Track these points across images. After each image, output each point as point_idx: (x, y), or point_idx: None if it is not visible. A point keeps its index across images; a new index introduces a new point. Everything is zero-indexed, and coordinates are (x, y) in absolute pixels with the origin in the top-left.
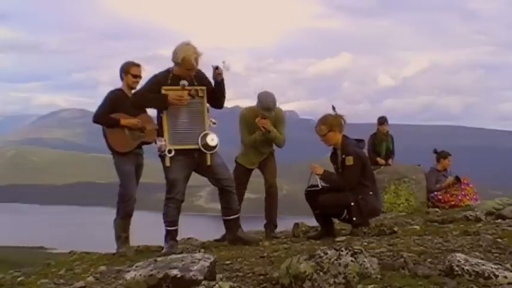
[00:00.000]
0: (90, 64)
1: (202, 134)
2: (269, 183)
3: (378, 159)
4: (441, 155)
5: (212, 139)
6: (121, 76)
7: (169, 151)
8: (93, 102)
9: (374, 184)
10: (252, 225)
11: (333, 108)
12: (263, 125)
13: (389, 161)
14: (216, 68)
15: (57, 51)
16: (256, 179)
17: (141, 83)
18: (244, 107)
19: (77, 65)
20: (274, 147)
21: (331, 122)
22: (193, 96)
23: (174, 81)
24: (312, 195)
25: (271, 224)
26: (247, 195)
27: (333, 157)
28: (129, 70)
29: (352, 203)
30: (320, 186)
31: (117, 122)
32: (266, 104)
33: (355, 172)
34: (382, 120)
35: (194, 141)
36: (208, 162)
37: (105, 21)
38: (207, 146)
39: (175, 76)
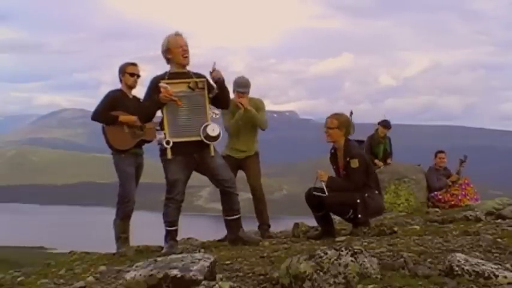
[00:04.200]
0: (91, 64)
1: (203, 126)
2: (253, 186)
3: (376, 161)
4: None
5: (213, 129)
6: (119, 77)
7: (168, 142)
8: (94, 103)
9: (378, 185)
10: (251, 225)
11: (351, 113)
12: (240, 101)
13: (388, 161)
14: (212, 71)
15: (58, 51)
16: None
17: (140, 82)
18: None
19: (78, 65)
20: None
21: (344, 122)
22: (193, 88)
23: (172, 77)
24: (312, 197)
25: (264, 225)
26: (247, 195)
27: (333, 158)
28: (125, 70)
29: (358, 200)
30: (326, 194)
31: (115, 119)
32: (238, 81)
33: (361, 174)
34: (385, 124)
35: (195, 133)
36: (212, 154)
37: (106, 21)
38: (208, 137)
39: (172, 74)
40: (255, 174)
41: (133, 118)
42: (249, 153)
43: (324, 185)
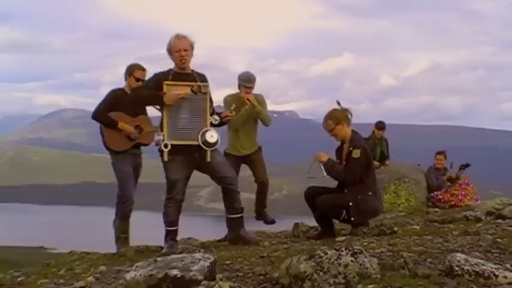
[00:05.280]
0: (92, 64)
1: (202, 131)
2: (260, 180)
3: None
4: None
5: (212, 136)
6: (125, 76)
7: (166, 145)
8: (94, 102)
9: (375, 183)
10: (252, 225)
11: (338, 103)
12: (248, 98)
13: (386, 162)
14: (228, 114)
15: (58, 51)
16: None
17: None
18: (227, 94)
19: (79, 65)
20: (260, 142)
21: (337, 116)
22: (195, 92)
23: (176, 77)
24: (311, 196)
25: (261, 210)
26: (247, 195)
27: (338, 151)
28: (132, 73)
29: (351, 203)
30: (325, 174)
31: (114, 124)
32: (245, 76)
33: (360, 166)
34: (381, 126)
35: (194, 137)
36: (208, 159)
37: (106, 21)
38: (206, 143)
39: (176, 73)
40: (262, 169)
41: (131, 130)
42: (252, 149)
43: (321, 166)
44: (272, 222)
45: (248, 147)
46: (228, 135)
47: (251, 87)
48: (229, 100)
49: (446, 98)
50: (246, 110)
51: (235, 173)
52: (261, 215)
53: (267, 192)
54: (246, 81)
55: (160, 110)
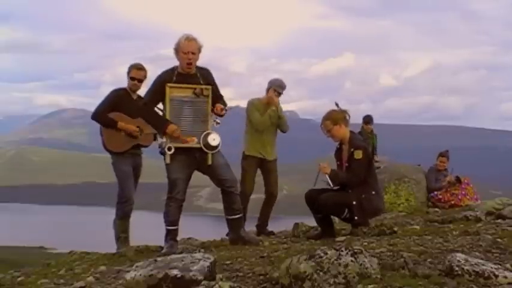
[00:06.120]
0: (92, 64)
1: (204, 134)
2: (271, 191)
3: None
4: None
5: (214, 139)
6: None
7: (169, 148)
8: (94, 102)
9: (376, 182)
10: (252, 225)
11: (336, 104)
12: (274, 98)
13: (375, 157)
14: (223, 109)
15: (59, 51)
16: (256, 178)
17: (146, 83)
18: (251, 98)
19: (79, 65)
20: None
21: (335, 117)
22: (197, 95)
23: (179, 78)
24: (312, 198)
25: (264, 224)
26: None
27: (338, 153)
28: (129, 72)
29: (355, 202)
30: (332, 186)
31: (114, 124)
32: (279, 82)
33: (363, 166)
34: (368, 120)
35: (196, 140)
36: (209, 162)
37: (107, 21)
38: (208, 146)
39: (180, 74)
40: (275, 180)
41: (132, 127)
42: (274, 155)
43: (328, 178)
44: (271, 233)
45: (270, 153)
46: (246, 139)
47: (280, 94)
48: (256, 103)
49: (446, 98)
50: (273, 111)
51: (233, 174)
52: (261, 227)
53: (273, 205)
54: (279, 86)
55: (163, 111)
